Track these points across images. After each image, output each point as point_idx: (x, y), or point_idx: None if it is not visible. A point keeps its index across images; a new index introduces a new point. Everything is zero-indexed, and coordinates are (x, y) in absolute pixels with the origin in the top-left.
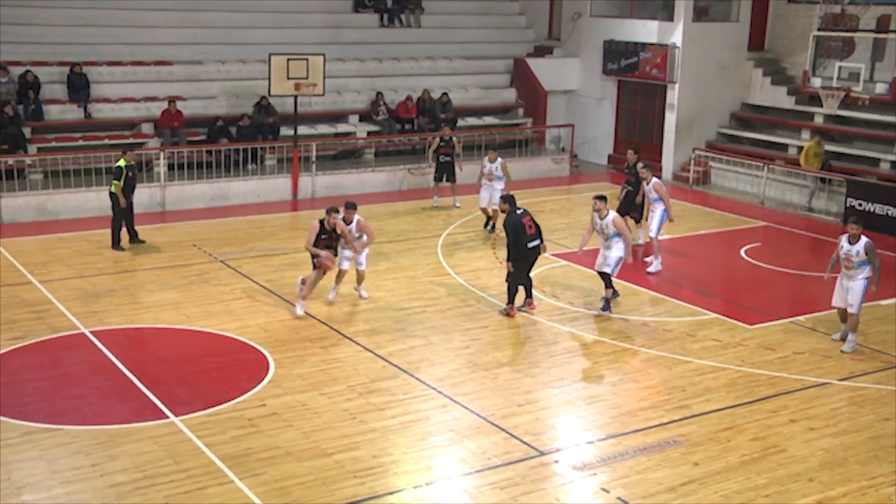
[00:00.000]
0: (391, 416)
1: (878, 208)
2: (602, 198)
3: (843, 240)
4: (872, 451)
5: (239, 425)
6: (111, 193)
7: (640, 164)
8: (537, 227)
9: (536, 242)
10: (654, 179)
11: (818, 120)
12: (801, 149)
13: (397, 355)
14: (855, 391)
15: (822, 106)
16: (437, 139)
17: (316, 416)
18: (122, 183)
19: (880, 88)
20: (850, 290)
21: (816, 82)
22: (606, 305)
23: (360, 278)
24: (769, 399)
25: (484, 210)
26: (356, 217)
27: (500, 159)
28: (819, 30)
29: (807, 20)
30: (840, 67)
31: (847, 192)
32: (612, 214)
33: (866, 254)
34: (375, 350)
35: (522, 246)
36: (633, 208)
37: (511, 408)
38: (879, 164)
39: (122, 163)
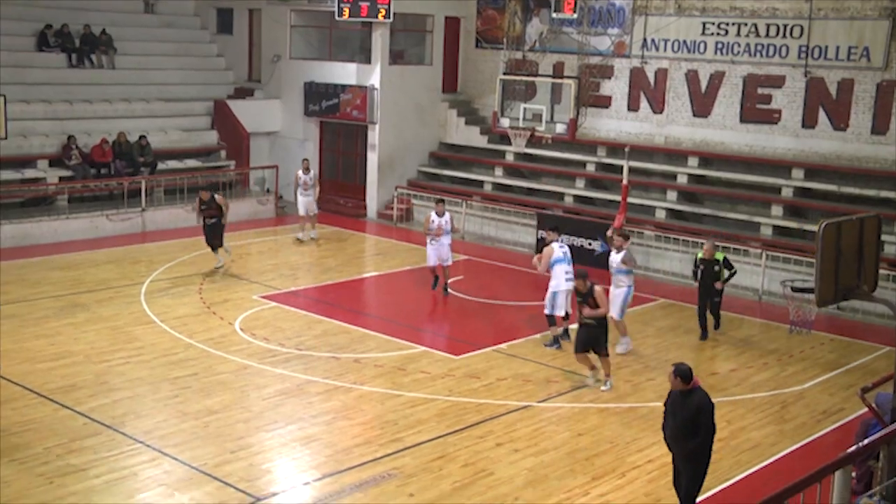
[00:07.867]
0: (94, 475)
1: (565, 239)
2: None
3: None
4: (568, 465)
5: None
6: None
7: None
8: None
9: None
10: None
11: (509, 158)
12: (497, 185)
13: (99, 410)
14: (553, 411)
15: (511, 144)
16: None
17: (6, 485)
18: None
19: (560, 128)
20: (613, 297)
21: (505, 123)
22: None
23: None
24: (477, 425)
25: (432, 269)
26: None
27: (447, 213)
28: (504, 74)
29: (493, 65)
30: (525, 109)
31: (538, 225)
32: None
33: (624, 262)
34: (75, 407)
35: None
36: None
37: (224, 455)
38: (564, 198)
39: None
